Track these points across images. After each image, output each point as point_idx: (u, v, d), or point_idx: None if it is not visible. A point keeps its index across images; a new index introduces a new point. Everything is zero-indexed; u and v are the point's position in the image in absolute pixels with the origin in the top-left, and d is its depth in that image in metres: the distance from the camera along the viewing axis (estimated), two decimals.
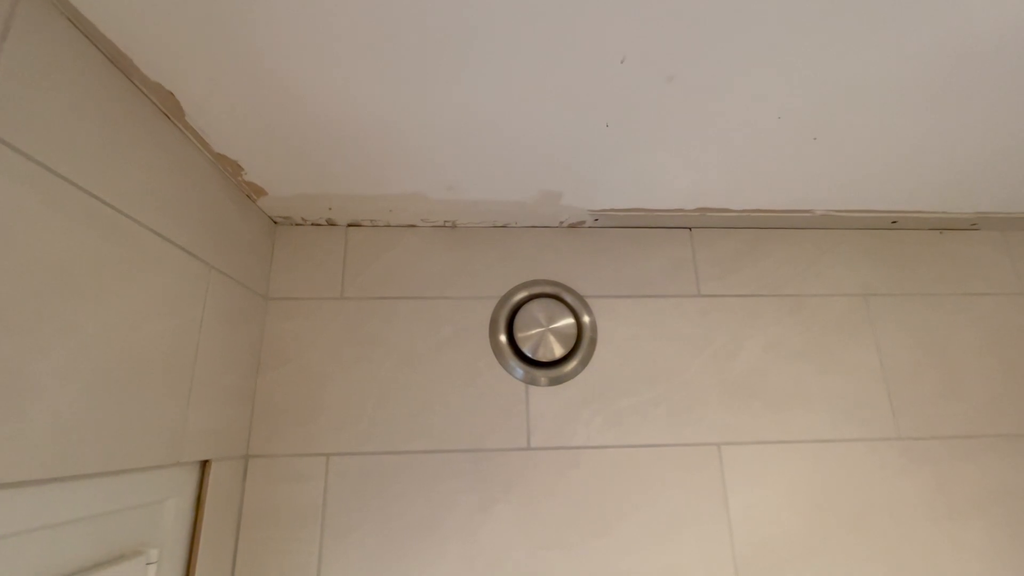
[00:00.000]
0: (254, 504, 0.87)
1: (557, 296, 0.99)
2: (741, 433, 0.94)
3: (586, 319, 0.98)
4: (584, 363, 0.96)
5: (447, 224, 1.02)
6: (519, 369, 0.95)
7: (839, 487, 0.92)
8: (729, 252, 1.05)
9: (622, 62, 0.59)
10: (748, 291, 1.03)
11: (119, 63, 0.58)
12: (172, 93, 0.64)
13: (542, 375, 0.95)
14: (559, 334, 0.96)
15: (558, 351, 0.95)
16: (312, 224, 1.01)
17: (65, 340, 0.50)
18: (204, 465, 0.77)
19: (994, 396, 1.00)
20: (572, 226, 1.04)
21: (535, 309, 0.97)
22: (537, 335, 0.96)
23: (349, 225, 1.01)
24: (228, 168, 0.80)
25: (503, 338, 0.96)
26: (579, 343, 0.96)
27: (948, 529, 0.92)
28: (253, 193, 0.88)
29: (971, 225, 1.09)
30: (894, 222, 1.06)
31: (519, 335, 0.96)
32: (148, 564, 0.64)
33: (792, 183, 0.88)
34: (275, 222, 0.99)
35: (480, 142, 0.75)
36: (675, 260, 1.04)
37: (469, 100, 0.66)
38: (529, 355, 0.96)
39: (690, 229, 1.06)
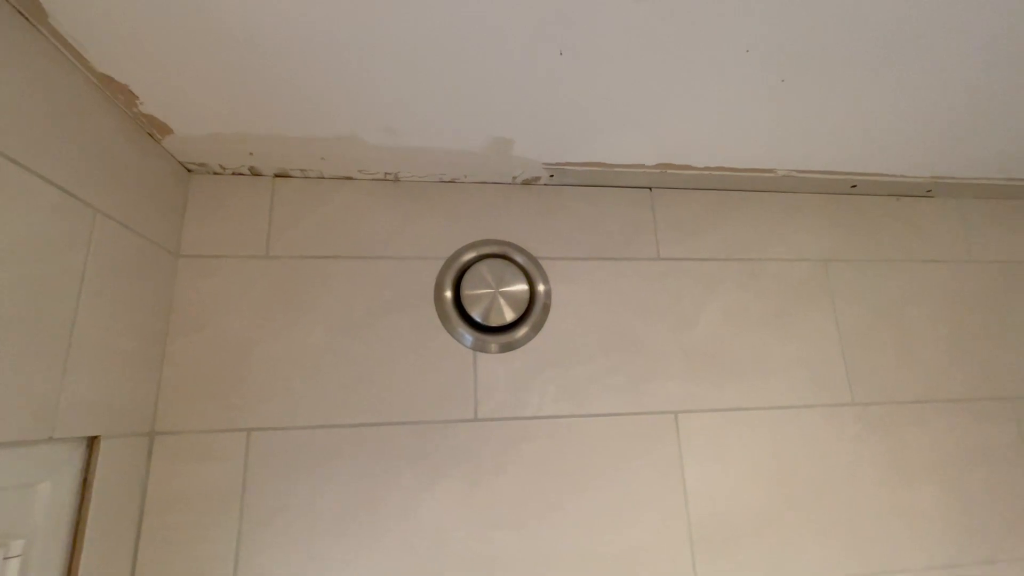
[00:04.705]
0: (161, 487, 0.76)
1: (508, 257, 0.91)
2: (699, 401, 0.90)
3: (539, 281, 0.91)
4: (537, 328, 0.89)
5: (388, 177, 0.92)
6: (468, 335, 0.88)
7: (796, 455, 0.90)
8: (690, 214, 1.00)
9: None
10: (709, 255, 0.98)
11: None
12: None
13: (492, 341, 0.88)
14: (510, 297, 0.89)
15: (509, 315, 0.88)
16: (233, 173, 0.89)
17: None
18: (92, 442, 0.66)
19: (946, 362, 1.00)
20: (526, 183, 0.96)
21: (484, 271, 0.89)
22: (487, 299, 0.88)
23: (276, 176, 0.90)
24: (118, 95, 0.68)
25: (450, 302, 0.88)
26: (531, 307, 0.89)
27: (902, 496, 0.91)
28: (155, 130, 0.76)
29: (926, 192, 1.08)
30: (854, 186, 1.04)
31: (467, 298, 0.88)
32: (7, 559, 0.53)
33: (756, 134, 0.83)
34: (188, 169, 0.87)
35: (423, 70, 0.66)
36: (634, 221, 0.98)
37: (417, 16, 0.57)
38: (479, 320, 0.88)
39: (650, 189, 1.00)
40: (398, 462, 0.81)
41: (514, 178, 0.95)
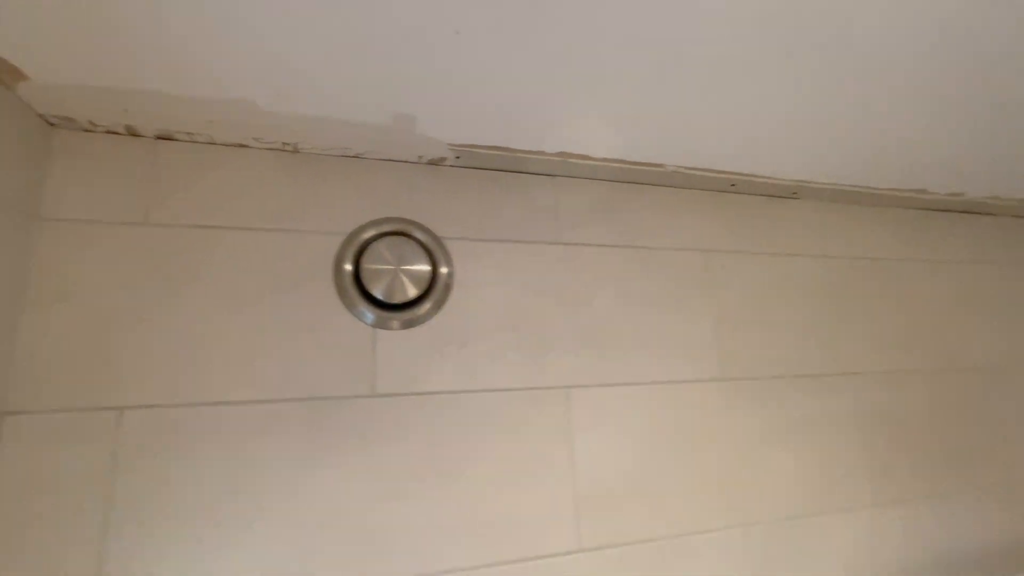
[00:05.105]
0: (10, 474, 0.69)
1: (410, 235, 0.92)
2: (589, 376, 0.96)
3: (441, 259, 0.92)
4: (438, 306, 0.91)
5: (287, 147, 0.89)
6: (367, 312, 0.87)
7: (672, 425, 0.99)
8: (590, 203, 1.06)
9: None
10: (605, 241, 1.05)
11: None
12: None
13: (393, 318, 0.88)
14: (412, 275, 0.89)
15: (411, 292, 0.89)
16: (106, 131, 0.81)
17: None
18: None
19: (801, 342, 1.14)
20: (432, 163, 0.97)
21: (385, 248, 0.89)
22: (388, 276, 0.88)
23: (158, 138, 0.84)
24: None
25: (349, 277, 0.87)
26: (433, 285, 0.91)
27: (762, 459, 1.04)
28: (5, 75, 0.68)
29: (792, 194, 1.22)
30: (733, 185, 1.15)
31: (367, 275, 0.87)
32: None
33: (646, 128, 0.90)
34: (50, 123, 0.78)
35: (316, 31, 0.65)
36: (537, 206, 1.02)
37: None
38: (380, 297, 0.88)
39: (552, 176, 1.05)
40: (288, 439, 0.80)
41: (420, 157, 0.95)
